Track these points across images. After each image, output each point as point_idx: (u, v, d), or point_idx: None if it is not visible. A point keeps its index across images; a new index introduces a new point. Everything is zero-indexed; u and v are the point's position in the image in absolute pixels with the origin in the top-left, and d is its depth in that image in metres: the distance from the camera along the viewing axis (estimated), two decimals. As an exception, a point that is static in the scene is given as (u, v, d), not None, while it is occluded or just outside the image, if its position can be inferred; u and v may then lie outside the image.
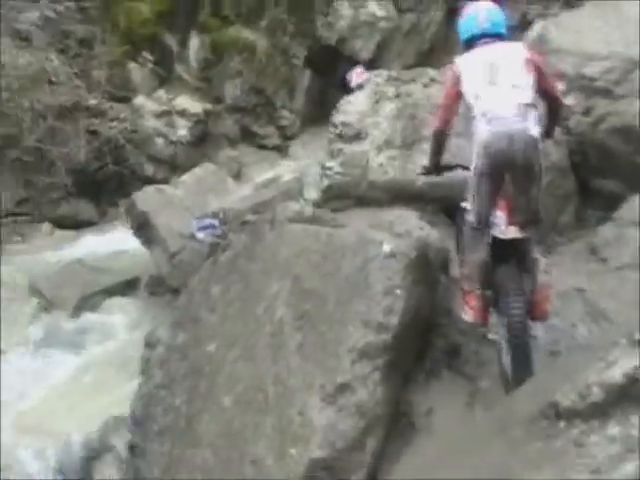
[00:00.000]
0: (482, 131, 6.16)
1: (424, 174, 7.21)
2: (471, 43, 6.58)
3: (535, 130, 6.15)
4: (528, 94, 6.22)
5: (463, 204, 6.59)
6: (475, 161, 6.22)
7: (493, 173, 6.17)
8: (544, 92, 6.55)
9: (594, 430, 3.93)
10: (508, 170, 6.17)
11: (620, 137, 8.96)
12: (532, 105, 6.21)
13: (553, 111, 6.81)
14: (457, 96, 6.49)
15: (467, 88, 6.33)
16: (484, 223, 6.36)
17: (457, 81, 6.45)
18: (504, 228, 6.34)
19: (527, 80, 6.26)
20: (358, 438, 6.08)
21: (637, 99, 8.88)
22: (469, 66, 6.42)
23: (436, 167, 6.96)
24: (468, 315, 6.55)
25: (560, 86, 8.95)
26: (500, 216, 6.42)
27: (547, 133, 6.87)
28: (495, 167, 6.14)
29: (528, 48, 6.75)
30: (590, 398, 4.02)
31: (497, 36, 6.54)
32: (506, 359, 6.18)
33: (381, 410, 6.20)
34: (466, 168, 6.71)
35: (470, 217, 6.44)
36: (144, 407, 7.06)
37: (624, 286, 7.54)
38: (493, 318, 6.43)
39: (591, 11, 11.67)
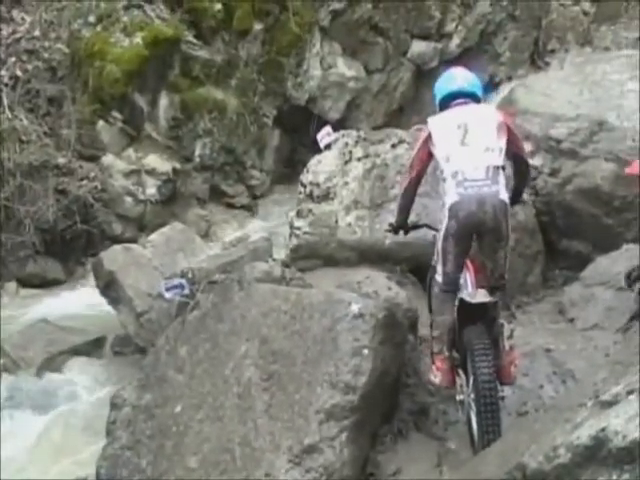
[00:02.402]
0: (452, 193, 6.16)
1: (391, 231, 7.21)
2: (446, 103, 6.62)
3: (505, 194, 6.18)
4: (499, 157, 6.25)
5: (433, 263, 6.62)
6: (444, 223, 6.23)
7: (461, 236, 6.19)
8: (514, 155, 6.60)
9: (561, 492, 3.92)
10: (477, 233, 6.18)
11: (586, 198, 9.06)
12: (502, 168, 6.25)
13: (522, 175, 6.86)
14: (427, 156, 6.52)
15: (439, 149, 6.35)
16: (452, 285, 6.36)
17: (428, 141, 6.47)
18: (472, 291, 6.34)
19: (499, 143, 6.29)
20: (325, 500, 6.04)
21: (603, 160, 8.98)
22: (441, 127, 6.45)
23: (404, 225, 6.98)
24: (436, 378, 6.53)
25: (528, 147, 9.08)
26: (468, 279, 6.43)
27: (515, 197, 6.93)
28: (464, 230, 6.15)
29: (500, 111, 6.83)
30: (557, 460, 4.00)
31: (472, 97, 6.60)
32: (474, 420, 6.16)
33: (348, 471, 6.17)
34: (432, 228, 6.76)
35: (438, 279, 6.44)
36: (109, 469, 6.96)
37: (591, 346, 7.56)
38: (461, 379, 6.42)
39: (557, 74, 11.89)
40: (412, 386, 7.09)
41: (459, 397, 6.43)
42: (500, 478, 4.45)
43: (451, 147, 6.30)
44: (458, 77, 6.76)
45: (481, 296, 6.23)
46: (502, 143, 6.32)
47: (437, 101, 6.76)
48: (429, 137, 6.49)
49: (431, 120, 6.59)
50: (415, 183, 6.70)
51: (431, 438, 6.77)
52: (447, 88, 6.68)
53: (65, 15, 13.61)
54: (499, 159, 6.25)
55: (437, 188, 6.53)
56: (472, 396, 6.11)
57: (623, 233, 8.84)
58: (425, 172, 6.72)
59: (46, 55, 13.30)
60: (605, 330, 7.80)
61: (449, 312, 6.42)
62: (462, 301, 6.25)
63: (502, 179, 6.22)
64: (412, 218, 7.01)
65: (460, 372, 6.41)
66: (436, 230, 6.68)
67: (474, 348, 6.06)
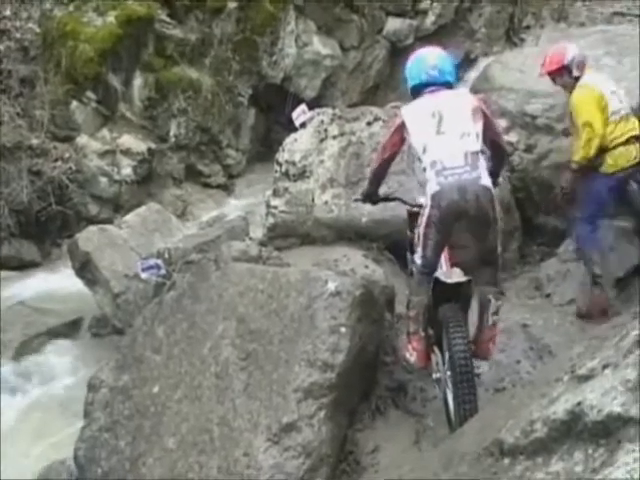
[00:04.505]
0: (432, 183, 6.08)
1: (362, 201, 7.20)
2: (418, 90, 6.51)
3: (486, 178, 6.12)
4: (476, 142, 6.16)
5: (409, 239, 6.62)
6: (426, 209, 6.16)
7: (444, 224, 6.11)
8: (491, 142, 6.53)
9: (538, 467, 3.91)
10: (461, 221, 6.12)
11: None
12: (481, 152, 6.20)
13: (498, 159, 6.80)
14: (400, 141, 6.43)
15: (414, 139, 6.24)
16: (430, 268, 6.32)
17: (402, 128, 6.37)
18: (447, 270, 6.34)
19: (475, 127, 6.20)
20: (304, 478, 6.05)
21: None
22: (415, 116, 6.32)
23: (373, 195, 6.96)
24: (412, 357, 6.52)
25: (503, 123, 9.07)
26: (442, 257, 6.41)
27: (492, 179, 6.91)
28: (447, 218, 6.07)
29: (475, 95, 6.77)
30: (534, 434, 4.00)
31: (444, 84, 6.47)
32: (450, 396, 6.17)
33: (327, 449, 6.18)
34: (405, 202, 6.77)
35: (417, 260, 6.40)
36: (87, 450, 6.94)
37: (567, 321, 7.61)
38: (436, 357, 6.43)
39: (532, 50, 11.89)
40: (390, 363, 7.11)
41: (435, 375, 6.44)
42: (478, 454, 4.45)
43: (427, 137, 6.18)
44: (430, 63, 6.50)
45: (456, 276, 6.23)
46: (479, 128, 6.22)
47: (409, 86, 6.63)
48: (403, 125, 6.40)
49: (404, 109, 6.47)
50: (387, 165, 6.66)
51: (409, 415, 6.79)
52: (418, 77, 6.49)
53: (36, -6, 13.50)
54: (476, 144, 6.16)
55: (412, 166, 6.49)
56: (448, 373, 6.12)
57: (598, 208, 8.86)
58: (398, 154, 6.66)
59: (18, 35, 13.18)
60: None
61: (425, 293, 6.40)
62: (437, 280, 6.25)
63: (482, 163, 6.15)
64: (386, 192, 7.03)
65: (436, 350, 6.43)
66: (409, 205, 6.69)
67: (449, 322, 6.10)
